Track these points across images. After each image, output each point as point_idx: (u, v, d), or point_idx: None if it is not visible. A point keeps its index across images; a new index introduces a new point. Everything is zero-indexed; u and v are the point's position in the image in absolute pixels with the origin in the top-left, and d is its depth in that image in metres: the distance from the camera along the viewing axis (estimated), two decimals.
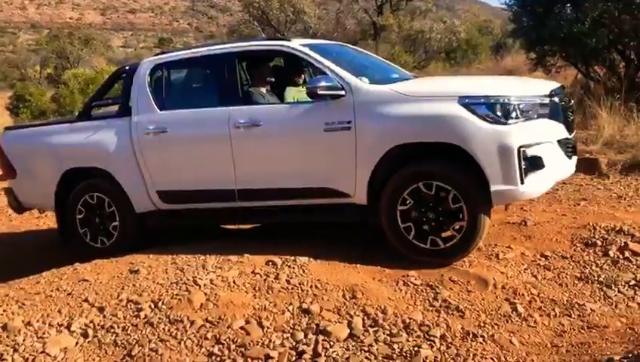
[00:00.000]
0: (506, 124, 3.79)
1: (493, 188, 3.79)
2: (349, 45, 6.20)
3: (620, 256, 4.08)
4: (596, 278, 3.87)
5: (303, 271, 4.03)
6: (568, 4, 10.36)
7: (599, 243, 4.24)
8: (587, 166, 6.52)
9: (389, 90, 4.15)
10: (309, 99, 4.31)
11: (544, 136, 3.94)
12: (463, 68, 22.07)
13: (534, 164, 3.82)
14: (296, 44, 4.64)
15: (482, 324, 3.42)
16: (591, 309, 3.53)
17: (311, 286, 3.84)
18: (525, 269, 4.04)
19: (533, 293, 3.72)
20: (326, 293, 3.75)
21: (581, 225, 4.54)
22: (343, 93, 4.15)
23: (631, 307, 3.57)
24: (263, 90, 4.90)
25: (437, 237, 4.01)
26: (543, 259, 4.16)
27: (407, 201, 4.03)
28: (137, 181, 4.98)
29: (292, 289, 3.82)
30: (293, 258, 4.20)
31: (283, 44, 4.70)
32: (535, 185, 3.88)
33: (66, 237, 5.56)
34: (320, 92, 4.11)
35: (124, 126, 5.00)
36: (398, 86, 4.27)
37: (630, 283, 3.78)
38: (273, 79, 5.02)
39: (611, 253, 4.11)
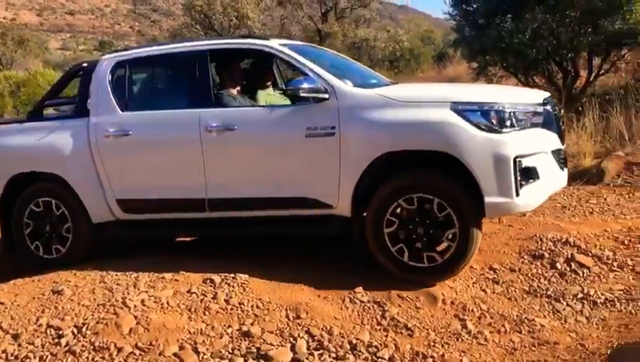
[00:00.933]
0: (500, 132, 3.59)
1: (487, 200, 3.56)
2: (324, 48, 5.93)
3: (567, 269, 4.04)
4: (544, 292, 3.81)
5: (244, 290, 3.77)
6: (509, 16, 10.54)
7: (546, 255, 4.19)
8: None
9: (375, 95, 3.89)
10: (284, 103, 4.10)
11: (539, 146, 3.76)
12: (406, 76, 22.31)
13: (529, 175, 3.64)
14: (276, 44, 4.34)
15: (432, 344, 3.27)
16: (541, 324, 3.45)
17: (252, 306, 3.59)
18: (474, 283, 3.93)
19: (483, 309, 3.62)
20: (268, 314, 3.51)
21: (528, 236, 4.48)
22: (326, 96, 3.88)
23: (579, 321, 3.51)
24: (234, 91, 4.57)
25: (425, 254, 3.74)
26: (492, 272, 4.06)
27: (395, 214, 3.76)
28: (95, 189, 4.53)
29: (231, 309, 3.55)
30: (233, 275, 3.93)
31: (262, 44, 4.38)
32: (530, 197, 3.67)
33: (11, 247, 5.00)
34: (302, 94, 3.85)
35: (81, 127, 4.54)
36: (384, 90, 4.01)
37: (578, 296, 3.73)
38: (244, 81, 4.74)
39: (558, 266, 4.06)
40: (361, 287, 3.79)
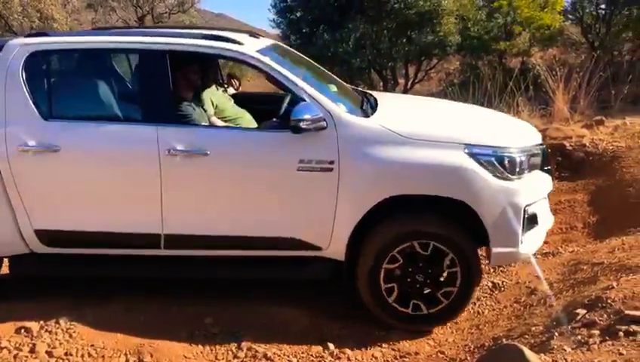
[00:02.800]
0: (512, 180, 3.31)
1: (495, 250, 3.31)
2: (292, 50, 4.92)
3: None
4: None
5: (71, 337, 3.17)
6: (330, 26, 10.86)
7: None
8: None
9: (379, 127, 3.36)
10: (226, 105, 3.62)
11: (541, 191, 3.56)
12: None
13: (532, 222, 3.41)
14: (252, 51, 3.52)
15: None
16: (399, 336, 3.39)
17: (83, 356, 3.03)
18: None
19: None
20: None
21: None
22: (324, 124, 3.27)
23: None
24: (189, 96, 3.74)
25: (421, 302, 3.41)
26: None
27: (395, 261, 3.35)
28: (3, 215, 3.47)
29: None
30: (55, 320, 3.28)
31: (238, 51, 3.50)
32: (531, 244, 3.46)
33: None
34: (304, 126, 3.20)
35: None
36: (388, 122, 3.42)
37: None
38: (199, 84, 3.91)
39: None
40: (210, 318, 3.42)
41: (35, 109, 3.43)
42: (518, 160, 3.35)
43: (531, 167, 3.48)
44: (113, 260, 3.58)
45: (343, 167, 3.28)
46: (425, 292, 3.41)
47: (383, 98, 4.11)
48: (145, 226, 3.46)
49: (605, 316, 2.83)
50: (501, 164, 3.30)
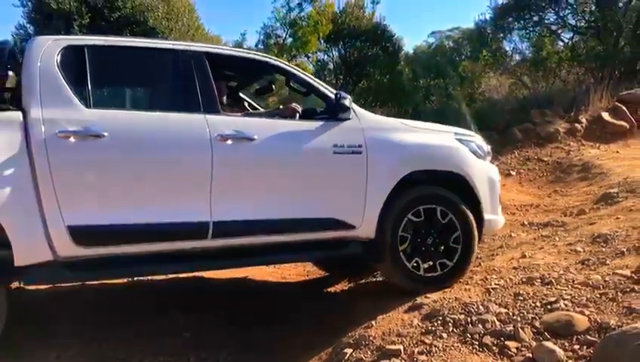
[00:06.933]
0: (484, 159, 4.34)
1: (486, 216, 4.16)
2: None
3: None
4: None
5: None
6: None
7: None
8: None
9: (390, 118, 4.31)
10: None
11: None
12: None
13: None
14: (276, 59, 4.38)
15: None
16: None
17: None
18: None
19: None
20: None
21: None
22: (350, 116, 3.89)
23: None
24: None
25: (434, 263, 3.96)
26: None
27: (410, 225, 3.93)
28: (30, 211, 3.08)
29: None
30: None
31: (272, 59, 4.33)
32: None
33: None
34: (348, 104, 3.84)
35: (8, 123, 3.16)
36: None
37: None
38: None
39: None
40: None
41: (75, 98, 3.33)
42: (483, 146, 4.44)
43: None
44: (153, 258, 3.46)
45: (370, 149, 3.84)
46: (436, 255, 3.97)
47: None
48: (193, 215, 3.42)
49: (369, 352, 3.16)
50: (478, 148, 4.34)
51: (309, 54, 16.47)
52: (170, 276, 4.73)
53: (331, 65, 17.20)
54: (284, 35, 16.35)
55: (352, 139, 3.85)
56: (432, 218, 3.97)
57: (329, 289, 5.11)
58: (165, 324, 4.17)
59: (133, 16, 10.74)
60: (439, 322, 3.22)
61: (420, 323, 3.29)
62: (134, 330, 4.03)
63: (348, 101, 3.84)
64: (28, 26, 11.39)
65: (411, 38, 66.39)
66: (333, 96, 3.89)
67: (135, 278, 4.53)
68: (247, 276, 5.41)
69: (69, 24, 10.18)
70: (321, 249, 3.90)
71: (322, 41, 16.21)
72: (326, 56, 17.29)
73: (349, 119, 3.87)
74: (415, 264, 3.91)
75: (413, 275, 3.92)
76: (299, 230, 3.71)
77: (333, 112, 3.86)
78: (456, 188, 4.07)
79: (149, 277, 4.72)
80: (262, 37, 16.53)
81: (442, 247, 3.99)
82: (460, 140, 4.23)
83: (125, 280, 4.76)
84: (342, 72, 16.80)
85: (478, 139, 4.46)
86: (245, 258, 3.80)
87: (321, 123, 3.85)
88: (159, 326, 4.13)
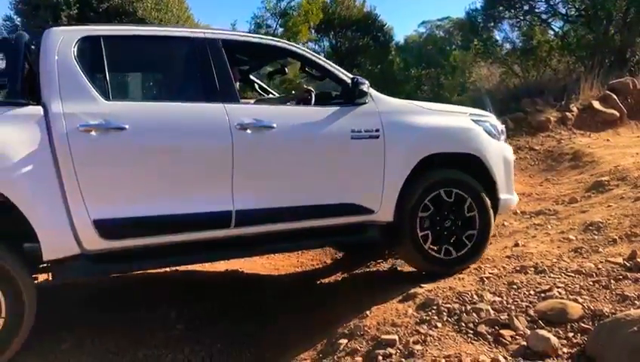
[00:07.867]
0: (499, 139, 4.31)
1: (502, 196, 4.18)
2: None
3: None
4: None
5: None
6: None
7: None
8: None
9: (406, 102, 4.19)
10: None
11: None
12: None
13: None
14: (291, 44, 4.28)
15: None
16: None
17: None
18: None
19: None
20: None
21: None
22: (366, 100, 3.85)
23: None
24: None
25: (453, 245, 3.97)
26: None
27: (428, 208, 3.92)
28: (56, 207, 3.09)
29: None
30: None
31: (287, 44, 4.21)
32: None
33: None
34: (365, 89, 3.80)
35: (30, 118, 3.10)
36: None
37: None
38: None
39: None
40: None
41: (95, 90, 3.29)
42: (499, 128, 4.43)
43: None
44: (177, 248, 3.46)
45: (387, 133, 3.82)
46: (454, 237, 3.98)
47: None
48: (216, 203, 3.45)
49: (364, 343, 3.15)
50: (493, 128, 4.32)
51: (300, 44, 16.40)
52: (162, 269, 4.70)
53: (322, 56, 17.11)
54: (274, 25, 16.26)
55: (370, 123, 3.83)
56: (450, 200, 3.97)
57: (323, 280, 5.10)
58: (158, 318, 4.15)
59: (122, 7, 10.65)
60: (434, 311, 3.23)
61: (414, 313, 3.29)
62: (127, 324, 4.01)
63: (366, 86, 3.80)
64: (15, 17, 11.29)
65: (401, 29, 66.16)
66: (349, 81, 3.86)
67: (127, 273, 4.49)
68: (240, 268, 5.39)
69: (56, 15, 10.07)
70: (340, 234, 3.91)
71: (313, 31, 16.15)
72: (317, 46, 17.24)
73: (366, 103, 3.85)
74: (434, 246, 3.93)
75: (433, 258, 3.94)
76: (318, 216, 3.72)
77: (350, 97, 3.82)
78: (472, 169, 4.09)
79: (141, 272, 4.68)
80: (252, 27, 16.45)
81: (460, 229, 4.00)
82: (475, 121, 4.24)
83: (116, 275, 4.72)
84: (333, 61, 16.72)
85: (492, 119, 4.45)
86: (268, 245, 3.78)
87: (337, 108, 3.82)
88: (152, 320, 4.12)
